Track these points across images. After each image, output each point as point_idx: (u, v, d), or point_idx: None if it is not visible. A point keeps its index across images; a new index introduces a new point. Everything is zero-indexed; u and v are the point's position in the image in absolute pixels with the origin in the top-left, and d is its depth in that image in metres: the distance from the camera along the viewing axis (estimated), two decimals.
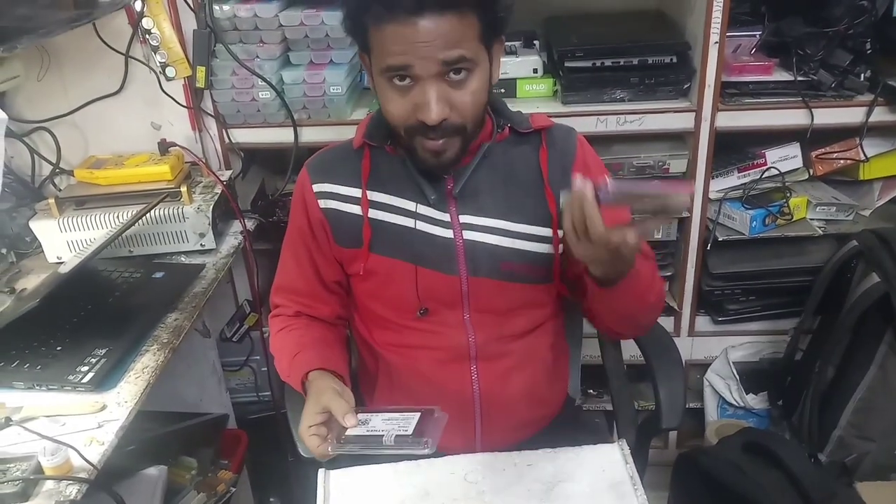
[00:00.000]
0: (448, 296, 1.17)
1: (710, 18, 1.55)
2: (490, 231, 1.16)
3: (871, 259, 1.57)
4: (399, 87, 1.01)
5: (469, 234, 1.15)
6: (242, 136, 1.70)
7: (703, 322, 1.89)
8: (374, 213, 1.15)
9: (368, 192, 1.15)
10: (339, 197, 1.16)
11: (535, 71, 1.73)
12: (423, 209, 1.15)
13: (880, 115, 1.64)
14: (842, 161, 1.77)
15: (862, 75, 1.64)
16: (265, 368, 1.94)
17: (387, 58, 0.99)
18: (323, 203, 1.16)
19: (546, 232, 1.18)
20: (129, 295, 1.38)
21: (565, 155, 1.19)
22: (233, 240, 1.61)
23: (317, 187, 1.17)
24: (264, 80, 1.61)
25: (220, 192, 1.58)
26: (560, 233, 1.18)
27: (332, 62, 1.65)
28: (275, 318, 1.27)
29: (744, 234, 1.73)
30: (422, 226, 1.14)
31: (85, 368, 1.16)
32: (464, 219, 1.15)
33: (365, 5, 0.99)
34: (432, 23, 0.96)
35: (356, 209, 1.15)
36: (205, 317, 1.72)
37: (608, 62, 1.65)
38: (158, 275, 1.45)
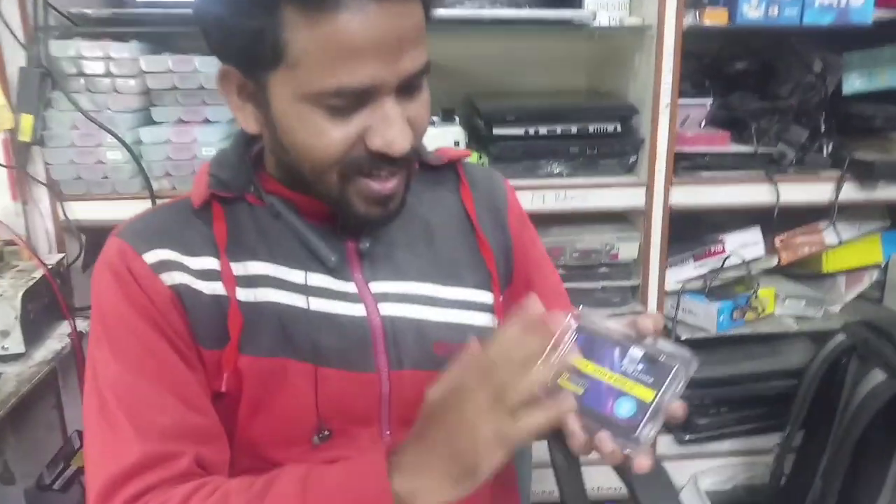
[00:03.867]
0: (362, 406, 0.80)
1: (660, 78, 1.34)
2: (414, 300, 0.82)
3: (870, 354, 1.31)
4: (336, 111, 0.68)
5: (387, 309, 0.81)
6: (83, 210, 1.31)
7: (665, 443, 1.56)
8: (243, 294, 0.77)
9: (232, 264, 0.77)
10: (187, 270, 0.76)
11: (457, 143, 1.46)
12: (317, 279, 0.79)
13: (848, 192, 1.45)
14: (807, 248, 1.55)
15: (824, 149, 1.47)
16: None
17: (336, 72, 0.65)
18: (167, 277, 0.74)
19: (486, 297, 0.86)
20: None
21: (493, 197, 0.92)
22: (56, 344, 1.18)
23: (150, 257, 0.75)
24: (116, 137, 1.25)
25: (39, 277, 1.17)
26: (500, 297, 0.88)
27: (207, 120, 1.32)
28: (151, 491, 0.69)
29: (710, 332, 1.45)
30: (318, 304, 0.78)
31: None
32: (377, 287, 0.81)
33: None
34: (399, 9, 0.65)
35: (216, 288, 0.76)
36: (6, 454, 1.25)
37: (543, 130, 1.40)
38: None
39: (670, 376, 0.64)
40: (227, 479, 0.72)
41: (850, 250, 1.61)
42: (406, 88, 0.69)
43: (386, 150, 0.68)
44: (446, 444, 0.62)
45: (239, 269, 0.78)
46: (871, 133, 1.48)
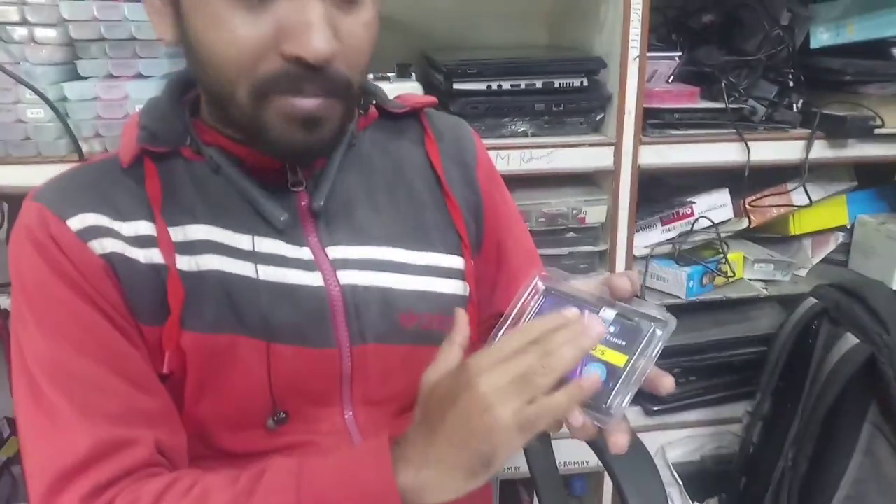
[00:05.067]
0: (320, 385, 0.73)
1: (629, 29, 1.27)
2: (378, 267, 0.74)
3: (842, 317, 1.27)
4: (247, 4, 0.59)
5: (347, 276, 0.73)
6: (4, 175, 1.18)
7: (633, 414, 1.51)
8: (184, 262, 0.68)
9: (169, 228, 0.68)
10: (119, 236, 0.67)
11: None
12: (267, 244, 0.71)
13: (818, 150, 1.40)
14: (776, 209, 1.51)
15: (794, 105, 1.42)
16: None
17: None
18: (97, 245, 0.65)
19: (456, 262, 0.79)
20: None
21: (461, 150, 0.84)
22: None
23: (76, 222, 0.65)
24: (37, 92, 1.13)
25: None
26: (472, 262, 0.81)
27: (140, 74, 1.20)
28: (114, 484, 0.61)
29: (680, 298, 1.40)
30: (268, 272, 0.70)
31: None
32: (335, 252, 0.73)
33: None
34: None
35: (153, 255, 0.67)
36: None
37: (506, 84, 1.31)
38: None
39: (645, 339, 0.58)
40: (201, 472, 0.63)
41: (816, 212, 1.57)
42: None
43: (301, 52, 0.58)
44: (457, 428, 0.54)
45: (178, 233, 0.69)
46: (841, 88, 1.43)
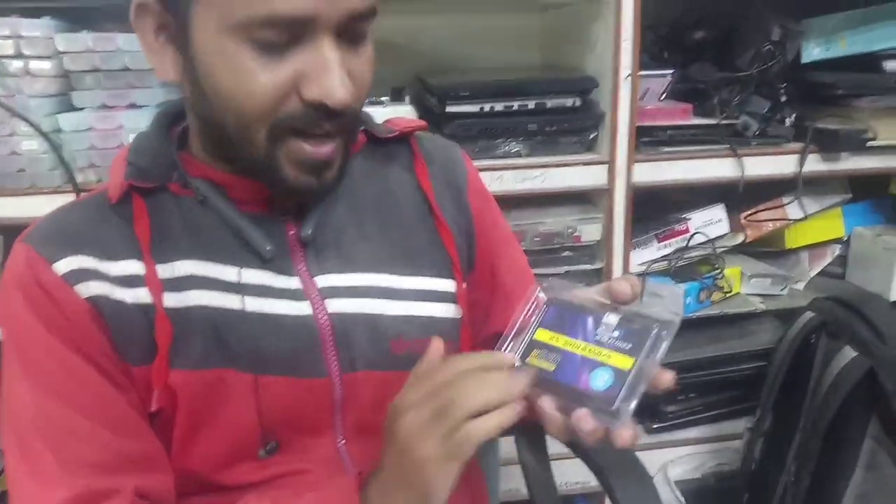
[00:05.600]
0: (311, 414, 0.72)
1: (619, 47, 1.28)
2: (367, 294, 0.74)
3: (840, 330, 1.27)
4: (266, 49, 0.59)
5: (336, 305, 0.72)
6: None
7: None
8: (172, 299, 0.68)
9: (158, 266, 0.68)
10: (106, 278, 0.66)
11: None
12: (253, 275, 0.70)
13: (811, 164, 1.40)
14: (771, 223, 1.51)
15: (787, 120, 1.42)
16: None
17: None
18: (83, 288, 0.65)
19: (447, 285, 0.79)
20: None
21: (452, 173, 0.84)
22: None
23: (63, 265, 0.65)
24: (31, 124, 1.14)
25: None
26: (464, 285, 0.81)
27: (134, 104, 1.20)
28: None
29: None
30: (255, 303, 0.70)
31: None
32: (324, 281, 0.73)
33: None
34: None
35: (140, 295, 0.67)
36: None
37: (499, 106, 1.32)
38: None
39: (649, 340, 0.58)
40: None
41: (812, 225, 1.57)
42: (349, 35, 0.61)
43: (324, 99, 0.60)
44: (394, 469, 0.56)
45: (165, 270, 0.68)
46: (833, 102, 1.43)
